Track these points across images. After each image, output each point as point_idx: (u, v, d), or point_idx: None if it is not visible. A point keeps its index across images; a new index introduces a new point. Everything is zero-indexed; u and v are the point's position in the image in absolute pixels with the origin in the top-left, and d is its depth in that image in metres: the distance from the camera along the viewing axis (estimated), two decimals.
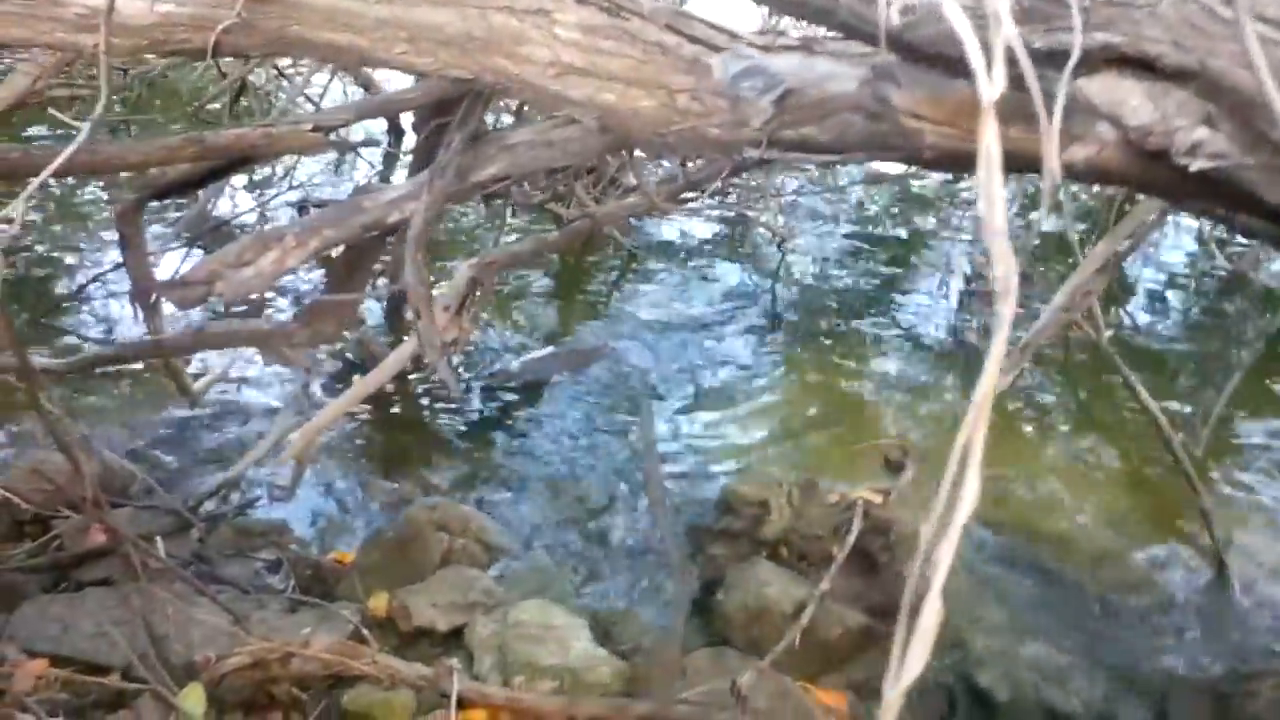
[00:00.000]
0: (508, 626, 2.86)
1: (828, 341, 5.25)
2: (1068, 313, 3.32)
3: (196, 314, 3.96)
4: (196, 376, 3.83)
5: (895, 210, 7.00)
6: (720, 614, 3.17)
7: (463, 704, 2.57)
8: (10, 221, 1.45)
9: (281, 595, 3.08)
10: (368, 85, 6.20)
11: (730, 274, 5.99)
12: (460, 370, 4.64)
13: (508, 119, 5.21)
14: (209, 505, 3.49)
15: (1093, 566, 3.68)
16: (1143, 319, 5.67)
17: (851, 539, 3.30)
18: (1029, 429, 4.48)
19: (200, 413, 4.00)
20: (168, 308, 3.00)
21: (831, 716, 2.80)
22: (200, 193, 4.07)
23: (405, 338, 3.81)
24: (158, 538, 2.96)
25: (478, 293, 2.71)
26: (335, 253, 2.41)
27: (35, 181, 1.42)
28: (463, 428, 4.32)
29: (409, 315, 1.94)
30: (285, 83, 6.36)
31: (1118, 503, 4.03)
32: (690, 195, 4.23)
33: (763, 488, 3.53)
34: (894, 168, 6.88)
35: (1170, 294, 6.04)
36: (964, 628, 3.31)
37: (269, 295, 4.75)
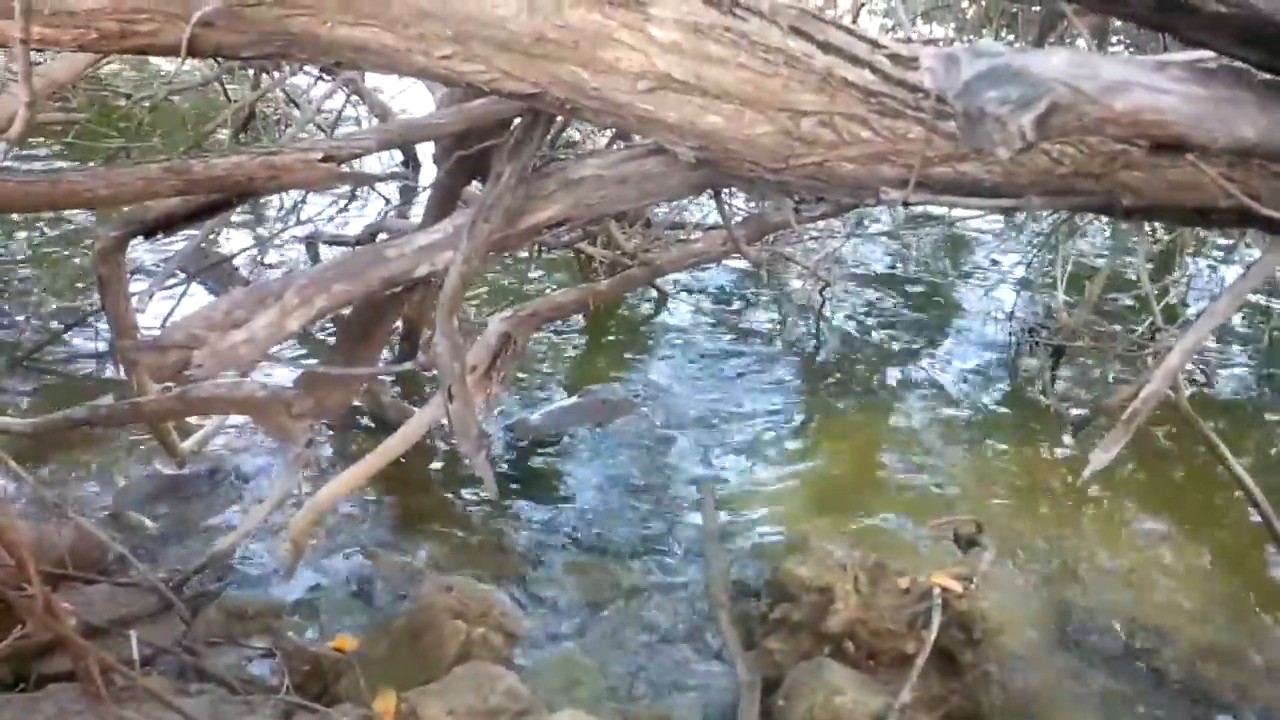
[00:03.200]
0: None
1: (874, 396, 4.84)
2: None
3: None
4: (187, 434, 3.41)
5: (940, 252, 6.60)
6: None
7: None
8: None
9: (275, 696, 2.64)
10: (384, 115, 5.83)
11: (766, 319, 5.60)
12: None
13: None
14: (195, 583, 3.08)
15: (1194, 663, 3.25)
16: (1216, 378, 5.23)
17: (932, 636, 2.87)
18: (1110, 504, 4.05)
19: (190, 472, 3.58)
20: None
21: None
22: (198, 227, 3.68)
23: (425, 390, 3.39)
24: (132, 631, 2.54)
25: (511, 351, 2.30)
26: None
27: None
28: (478, 492, 3.88)
29: (440, 391, 1.55)
30: (296, 110, 5.99)
31: (1216, 588, 3.60)
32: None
33: (824, 570, 3.10)
34: (936, 206, 6.48)
35: (1237, 349, 5.62)
36: None
37: None
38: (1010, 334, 5.32)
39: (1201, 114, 0.82)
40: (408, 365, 3.50)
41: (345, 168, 1.90)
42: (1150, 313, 4.64)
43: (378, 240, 3.84)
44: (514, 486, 3.97)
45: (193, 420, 3.51)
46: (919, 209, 6.63)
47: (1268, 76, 0.89)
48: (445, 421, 1.91)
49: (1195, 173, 1.25)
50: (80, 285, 5.08)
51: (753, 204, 4.28)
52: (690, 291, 5.77)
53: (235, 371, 1.92)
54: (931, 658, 2.89)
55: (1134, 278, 4.81)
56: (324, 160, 1.80)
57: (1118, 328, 4.81)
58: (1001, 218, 6.45)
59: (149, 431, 3.15)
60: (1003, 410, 4.82)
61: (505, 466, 4.09)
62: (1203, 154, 0.98)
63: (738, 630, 3.09)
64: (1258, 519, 3.61)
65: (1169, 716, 3.06)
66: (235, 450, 3.84)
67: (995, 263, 6.46)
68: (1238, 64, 0.90)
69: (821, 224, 5.37)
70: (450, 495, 3.89)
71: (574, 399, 4.62)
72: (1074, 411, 4.63)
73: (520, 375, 4.76)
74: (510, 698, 2.66)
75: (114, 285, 2.56)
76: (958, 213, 6.17)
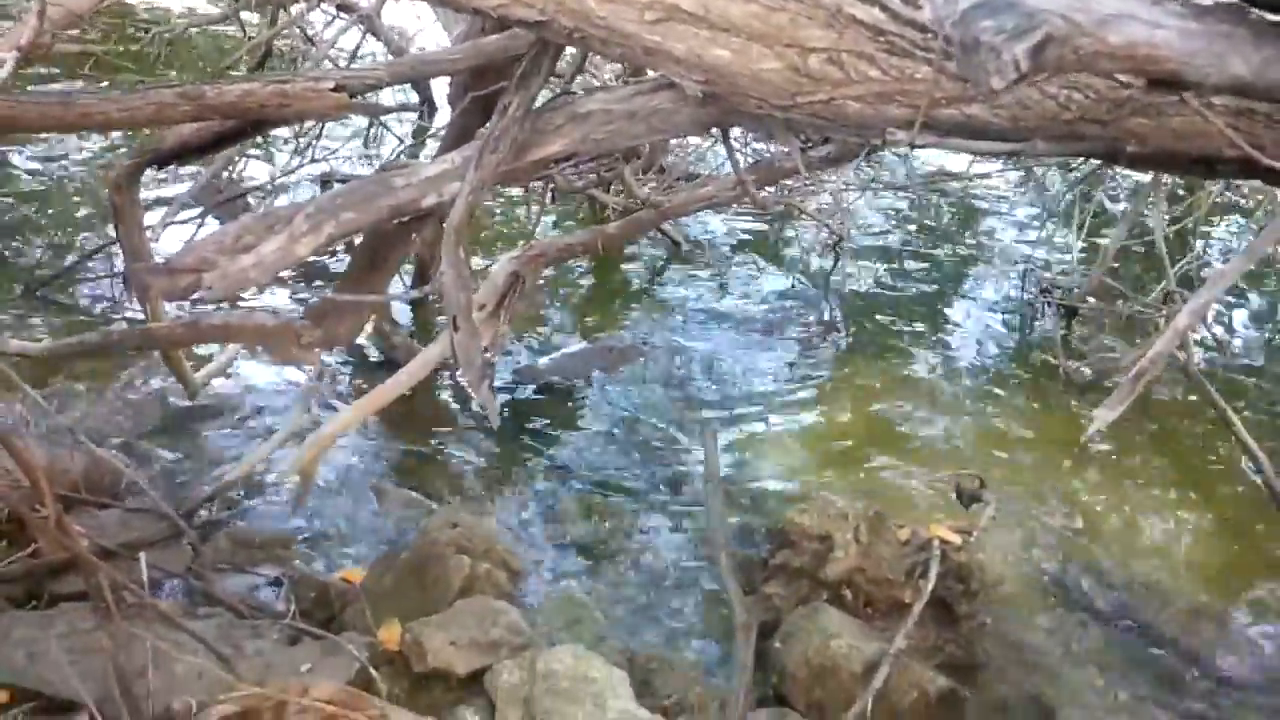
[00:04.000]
0: (537, 677, 2.48)
1: (886, 351, 4.84)
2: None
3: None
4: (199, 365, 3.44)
5: (957, 211, 6.55)
6: (778, 667, 2.78)
7: None
8: None
9: (281, 621, 2.70)
10: (400, 52, 5.80)
11: (779, 273, 5.57)
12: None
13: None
14: (206, 511, 3.13)
15: (1190, 624, 3.29)
16: (1225, 341, 5.21)
17: (929, 585, 2.91)
18: (1116, 464, 4.05)
19: (201, 404, 3.62)
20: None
21: None
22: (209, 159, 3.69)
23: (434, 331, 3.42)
24: (142, 554, 2.59)
25: (519, 290, 2.31)
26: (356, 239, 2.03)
27: None
28: (486, 431, 3.92)
29: (444, 321, 1.57)
30: (312, 47, 5.96)
31: (1215, 550, 3.63)
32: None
33: (825, 519, 3.12)
34: (956, 163, 6.43)
35: (1248, 314, 5.59)
36: (1051, 692, 2.92)
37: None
38: (1024, 294, 5.30)
39: (1196, 49, 0.82)
40: (414, 294, 3.51)
41: (357, 100, 1.91)
42: (1165, 276, 4.63)
43: None
44: (521, 430, 4.00)
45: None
46: (936, 165, 6.61)
47: (1263, 14, 0.89)
48: (451, 356, 1.93)
49: (1200, 122, 1.25)
50: (94, 218, 5.09)
51: (763, 149, 4.25)
52: (703, 244, 5.75)
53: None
54: (928, 607, 2.92)
55: (1151, 242, 4.77)
56: (335, 90, 1.81)
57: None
58: (1018, 177, 6.40)
59: (163, 363, 3.17)
60: (1013, 370, 4.82)
61: (513, 410, 4.11)
62: (1198, 92, 0.98)
63: (739, 576, 3.12)
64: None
65: (1162, 674, 3.10)
66: (247, 384, 3.87)
67: (1011, 223, 6.41)
68: (1235, 0, 0.90)
69: (836, 178, 5.35)
70: (458, 435, 3.92)
71: (582, 345, 4.64)
72: (1084, 372, 4.62)
73: (530, 322, 4.78)
74: (511, 631, 2.71)
75: (128, 214, 2.59)
76: (975, 169, 6.13)
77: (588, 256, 4.95)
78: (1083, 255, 5.61)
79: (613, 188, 4.63)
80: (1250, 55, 0.83)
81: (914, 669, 2.71)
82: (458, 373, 1.95)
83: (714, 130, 1.63)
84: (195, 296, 1.57)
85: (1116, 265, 5.24)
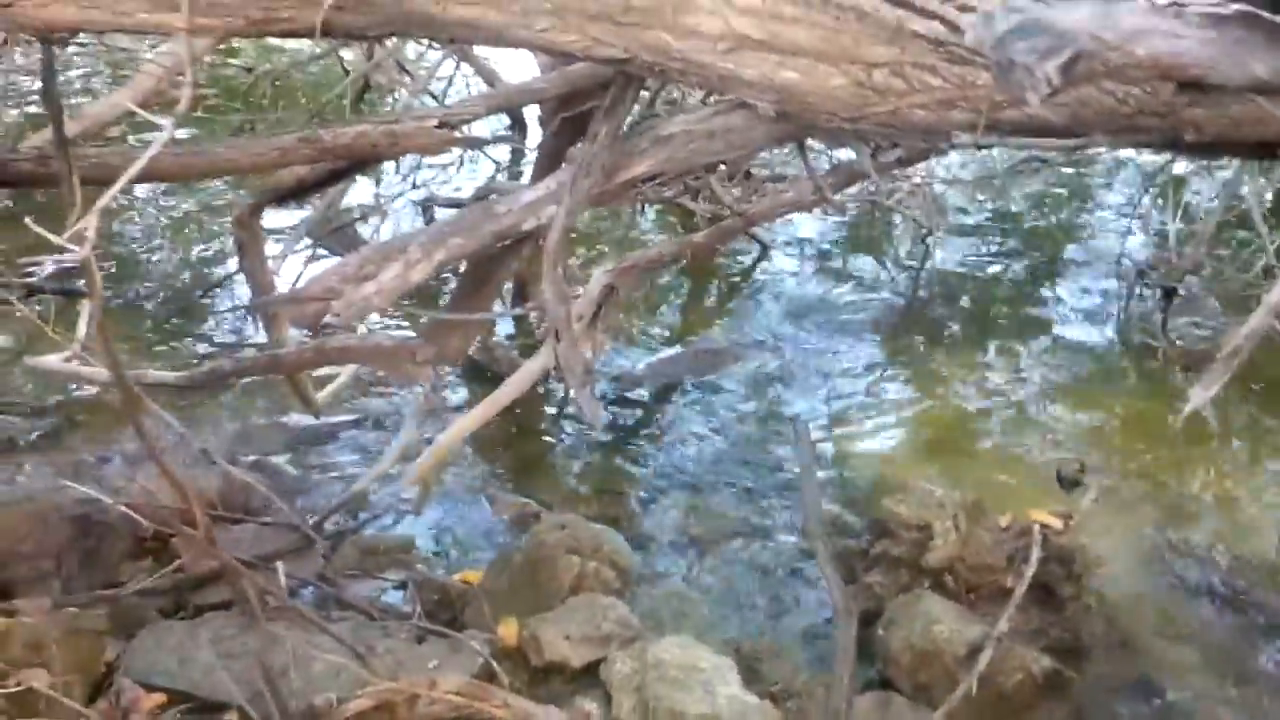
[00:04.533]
0: (648, 666, 2.60)
1: (980, 340, 4.84)
2: None
3: None
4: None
5: (1049, 199, 6.47)
6: (882, 653, 2.86)
7: None
8: (84, 240, 1.23)
9: (408, 622, 2.88)
10: (491, 80, 6.00)
11: (868, 269, 5.60)
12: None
13: None
14: (333, 522, 3.34)
15: None
16: None
17: (1030, 570, 2.94)
18: (1213, 441, 4.00)
19: (324, 422, 3.85)
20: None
21: None
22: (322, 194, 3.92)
23: (537, 343, 3.57)
24: (278, 563, 2.79)
25: (614, 300, 2.45)
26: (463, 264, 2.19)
27: (111, 190, 1.21)
28: (590, 436, 4.07)
29: (546, 334, 1.70)
30: (408, 78, 6.22)
31: None
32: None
33: (924, 509, 3.18)
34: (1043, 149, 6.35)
35: None
36: (1159, 673, 2.93)
37: None
38: (1121, 277, 5.23)
39: (1216, 55, 0.89)
40: (518, 310, 3.68)
41: (458, 133, 2.07)
42: (1264, 253, 4.53)
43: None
44: (622, 435, 4.13)
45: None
46: (1023, 152, 6.53)
47: (1277, 18, 0.95)
48: (553, 366, 2.07)
49: (1257, 109, 1.31)
50: (214, 253, 5.40)
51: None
52: (792, 244, 5.81)
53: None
54: (1031, 592, 2.95)
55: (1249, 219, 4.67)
56: (439, 126, 1.96)
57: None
58: (1112, 159, 6.29)
59: (289, 386, 3.39)
60: (1111, 353, 4.78)
61: (613, 416, 4.25)
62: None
63: (838, 566, 3.20)
64: None
65: (1271, 655, 3.07)
66: (366, 404, 4.10)
67: (1107, 206, 6.31)
68: (1249, 8, 0.97)
69: (921, 170, 5.36)
70: (564, 443, 4.08)
71: (678, 349, 4.76)
72: (1184, 352, 4.56)
73: (627, 329, 4.92)
74: (621, 625, 2.84)
75: (252, 248, 2.80)
76: (1062, 155, 6.04)
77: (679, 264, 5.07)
78: (1182, 235, 5.51)
79: (700, 195, 4.74)
80: (1267, 58, 0.90)
81: (1018, 651, 2.75)
82: (563, 382, 2.09)
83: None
84: (324, 323, 1.73)
85: (1216, 245, 5.14)
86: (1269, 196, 5.25)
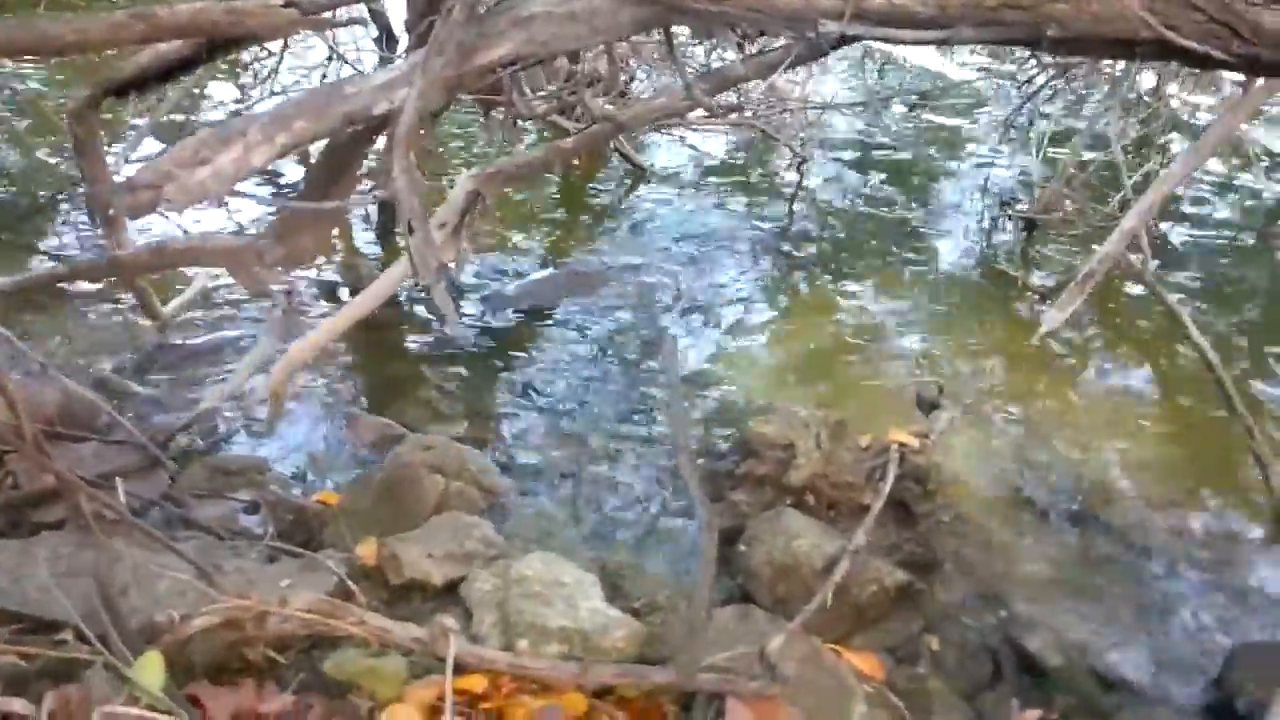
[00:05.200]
0: (510, 582, 2.57)
1: (849, 270, 4.92)
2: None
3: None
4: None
5: (923, 131, 6.58)
6: (743, 567, 2.89)
7: (460, 669, 2.28)
8: None
9: (260, 542, 2.77)
10: None
11: (744, 197, 5.62)
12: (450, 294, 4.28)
13: None
14: (181, 440, 3.18)
15: (1141, 518, 3.41)
16: (1185, 246, 5.31)
17: (887, 487, 3.01)
18: (1069, 366, 4.17)
19: (173, 340, 3.65)
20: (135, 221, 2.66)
21: (865, 682, 2.52)
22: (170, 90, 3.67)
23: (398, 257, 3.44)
24: (119, 480, 2.64)
25: (479, 208, 2.36)
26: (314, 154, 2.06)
27: None
28: (456, 357, 3.98)
29: (399, 229, 1.62)
30: None
31: (1166, 448, 3.74)
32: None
33: (788, 429, 3.22)
34: (917, 84, 6.46)
35: (1212, 218, 5.68)
36: (1007, 586, 3.04)
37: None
38: (984, 207, 5.37)
39: None
40: (368, 198, 3.52)
41: (307, 15, 1.93)
42: (1122, 186, 4.70)
43: None
44: (491, 355, 4.06)
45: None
46: (899, 84, 6.62)
47: None
48: (412, 272, 1.97)
49: (1119, 6, 1.30)
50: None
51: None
52: (668, 171, 5.77)
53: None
54: (888, 508, 3.02)
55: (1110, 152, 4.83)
56: (286, 5, 1.83)
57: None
58: (981, 90, 6.44)
59: (131, 295, 3.19)
60: (973, 282, 4.91)
61: (482, 337, 4.17)
62: None
63: (705, 485, 3.21)
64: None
65: (1115, 568, 3.22)
66: (217, 316, 3.90)
67: (975, 140, 6.46)
68: None
69: (798, 98, 5.37)
70: (429, 362, 3.98)
71: (548, 271, 4.70)
72: (1044, 282, 4.72)
73: (499, 249, 4.82)
74: (485, 543, 2.80)
75: (89, 144, 2.60)
76: (935, 86, 6.16)
77: (541, 179, 4.98)
78: (1046, 171, 5.68)
79: (575, 112, 4.65)
80: None
81: (872, 564, 2.81)
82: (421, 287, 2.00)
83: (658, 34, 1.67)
84: (156, 210, 1.60)
85: (1081, 183, 5.31)
86: (1131, 134, 5.43)
